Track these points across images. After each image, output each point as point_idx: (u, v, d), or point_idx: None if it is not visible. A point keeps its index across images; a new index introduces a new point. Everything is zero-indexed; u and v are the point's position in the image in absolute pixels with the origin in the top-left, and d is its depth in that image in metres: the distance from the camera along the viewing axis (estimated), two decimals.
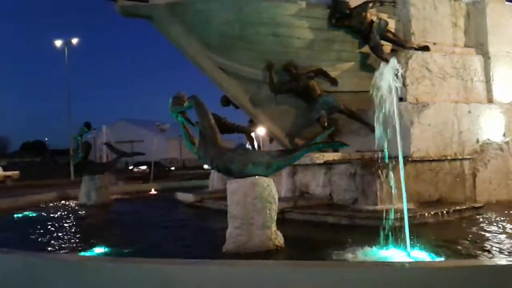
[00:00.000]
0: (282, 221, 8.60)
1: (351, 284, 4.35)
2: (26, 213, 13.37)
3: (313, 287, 4.35)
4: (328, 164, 10.90)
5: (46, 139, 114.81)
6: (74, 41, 44.77)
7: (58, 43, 44.32)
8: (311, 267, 4.68)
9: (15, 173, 38.95)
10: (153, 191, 19.62)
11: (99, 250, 7.58)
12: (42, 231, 9.86)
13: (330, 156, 10.88)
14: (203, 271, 4.77)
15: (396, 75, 6.95)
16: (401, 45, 11.97)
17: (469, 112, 11.89)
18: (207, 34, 11.05)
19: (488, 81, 13.06)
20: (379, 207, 9.36)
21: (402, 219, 6.66)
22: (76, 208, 14.67)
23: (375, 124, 7.17)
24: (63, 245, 8.27)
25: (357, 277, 4.39)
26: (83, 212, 13.65)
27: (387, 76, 6.89)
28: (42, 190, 21.07)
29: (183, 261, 5.23)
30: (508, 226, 8.32)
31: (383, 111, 6.92)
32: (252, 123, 14.69)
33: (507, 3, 13.99)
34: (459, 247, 6.73)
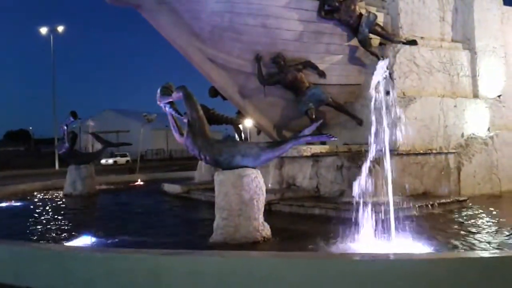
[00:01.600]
0: (269, 213, 8.67)
1: (337, 275, 4.40)
2: (11, 203, 13.26)
3: (301, 278, 4.39)
4: (315, 157, 10.96)
5: (31, 128, 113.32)
6: (60, 28, 44.18)
7: (44, 30, 43.68)
8: (299, 259, 4.72)
9: None
10: (139, 182, 19.54)
11: (86, 240, 7.56)
12: (27, 221, 9.78)
13: (317, 148, 10.94)
14: (193, 262, 4.79)
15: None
16: (389, 39, 12.02)
17: (455, 106, 12.01)
18: (196, 24, 10.99)
19: (474, 76, 13.18)
20: (365, 199, 9.42)
21: (387, 211, 6.75)
22: (62, 198, 14.56)
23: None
24: (49, 235, 8.23)
25: (343, 269, 4.44)
26: (69, 202, 13.55)
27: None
28: (26, 180, 20.91)
29: (172, 251, 5.24)
30: (491, 219, 8.46)
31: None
32: (240, 115, 14.68)
33: None
34: (444, 240, 6.83)
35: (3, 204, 12.98)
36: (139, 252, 5.28)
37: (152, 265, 4.84)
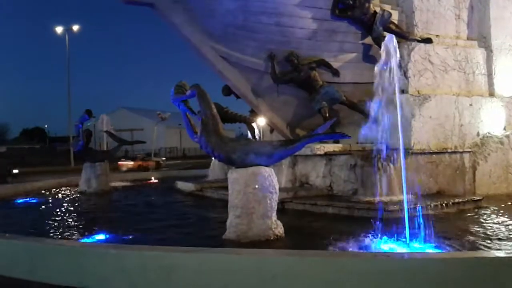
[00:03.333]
0: (282, 211, 8.66)
1: (350, 274, 4.39)
2: (27, 199, 13.43)
3: (314, 276, 4.39)
4: (328, 155, 10.94)
5: (46, 126, 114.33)
6: (75, 27, 44.53)
7: (59, 29, 44.06)
8: (312, 257, 4.71)
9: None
10: (153, 180, 19.67)
11: (99, 236, 7.63)
12: (43, 217, 9.91)
13: (330, 147, 10.91)
14: (205, 259, 4.80)
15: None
16: (404, 37, 11.90)
17: (470, 105, 11.88)
18: (209, 22, 11.02)
19: (490, 74, 13.02)
20: (378, 198, 9.39)
21: (401, 210, 6.71)
22: (76, 195, 14.71)
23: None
24: (64, 232, 8.32)
25: (356, 268, 4.42)
26: (83, 199, 13.69)
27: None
28: (42, 177, 21.12)
29: (185, 248, 5.26)
30: (507, 219, 8.35)
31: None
32: (253, 113, 14.69)
33: None
34: (458, 239, 6.77)
35: (19, 201, 13.16)
36: (152, 249, 5.32)
37: (164, 262, 4.87)
